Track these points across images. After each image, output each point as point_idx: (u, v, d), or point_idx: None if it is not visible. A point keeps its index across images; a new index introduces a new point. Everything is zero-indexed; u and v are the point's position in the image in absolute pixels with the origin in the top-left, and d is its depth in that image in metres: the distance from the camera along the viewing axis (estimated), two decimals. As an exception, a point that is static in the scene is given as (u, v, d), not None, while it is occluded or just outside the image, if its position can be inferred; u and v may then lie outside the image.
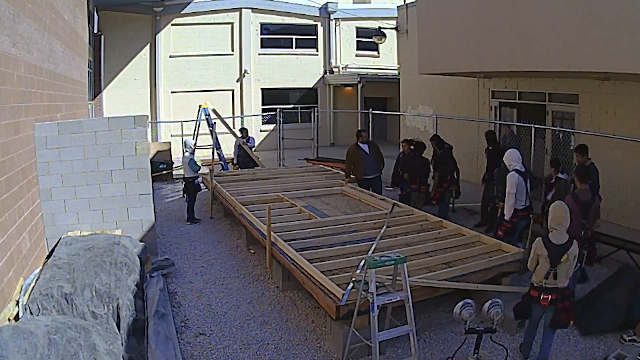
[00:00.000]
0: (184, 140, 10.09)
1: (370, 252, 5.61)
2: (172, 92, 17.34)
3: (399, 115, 13.75)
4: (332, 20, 19.26)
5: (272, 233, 6.02)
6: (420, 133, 12.64)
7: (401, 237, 6.29)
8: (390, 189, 9.88)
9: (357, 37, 19.86)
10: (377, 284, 4.05)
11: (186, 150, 9.23)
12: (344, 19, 19.49)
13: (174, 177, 13.47)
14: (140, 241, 6.63)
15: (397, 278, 4.20)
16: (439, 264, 5.44)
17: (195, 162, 8.97)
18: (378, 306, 3.91)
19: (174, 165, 13.66)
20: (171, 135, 15.91)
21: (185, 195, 9.43)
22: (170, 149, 13.89)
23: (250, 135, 12.36)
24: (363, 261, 4.27)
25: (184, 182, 9.42)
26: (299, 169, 11.58)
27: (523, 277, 5.97)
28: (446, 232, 6.50)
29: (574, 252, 4.08)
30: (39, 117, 6.16)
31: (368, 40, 18.02)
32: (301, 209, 7.70)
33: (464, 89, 10.95)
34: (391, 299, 4.09)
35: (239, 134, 11.89)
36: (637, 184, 7.19)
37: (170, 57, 17.24)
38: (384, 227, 6.47)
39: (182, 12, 17.13)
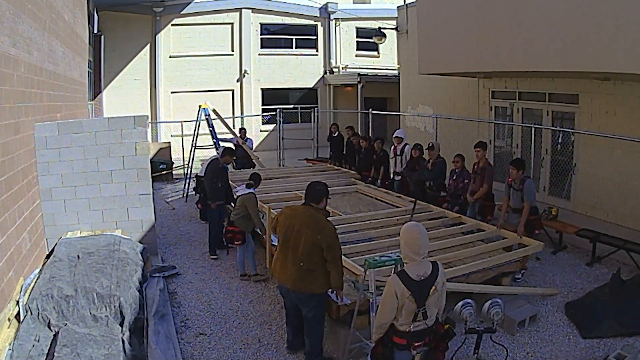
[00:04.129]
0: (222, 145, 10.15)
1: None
2: (172, 92, 17.35)
3: (399, 115, 13.75)
4: (332, 20, 19.27)
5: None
6: (420, 133, 12.64)
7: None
8: None
9: (357, 37, 19.87)
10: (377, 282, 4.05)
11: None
12: (344, 19, 19.50)
13: (174, 177, 13.49)
14: (140, 242, 6.63)
15: None
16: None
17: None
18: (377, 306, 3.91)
19: (174, 166, 13.67)
20: (171, 135, 15.91)
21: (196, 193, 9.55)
22: (170, 149, 13.90)
23: (248, 137, 12.31)
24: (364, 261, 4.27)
25: (196, 181, 9.54)
26: (309, 168, 11.56)
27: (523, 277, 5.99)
28: (447, 233, 6.49)
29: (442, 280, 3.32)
30: (39, 117, 6.16)
31: (368, 41, 18.02)
32: None
33: (464, 89, 10.95)
34: None
35: (238, 134, 11.88)
36: (637, 183, 7.19)
37: (170, 57, 17.25)
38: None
39: (182, 12, 17.14)
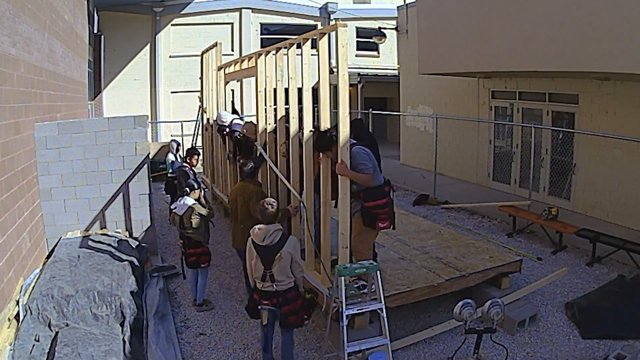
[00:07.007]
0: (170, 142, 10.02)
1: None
2: (172, 92, 17.34)
3: (399, 115, 13.75)
4: (332, 20, 19.23)
5: None
6: (420, 133, 12.64)
7: (400, 236, 6.29)
8: None
9: (357, 37, 19.82)
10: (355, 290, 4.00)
11: (169, 152, 9.41)
12: (344, 19, 19.46)
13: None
14: (140, 242, 6.63)
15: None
16: (439, 264, 5.44)
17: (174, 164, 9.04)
18: (347, 316, 3.80)
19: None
20: (171, 135, 15.90)
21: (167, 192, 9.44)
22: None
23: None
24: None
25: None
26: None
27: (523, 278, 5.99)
28: (447, 233, 6.50)
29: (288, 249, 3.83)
30: (39, 117, 6.16)
31: (368, 41, 17.99)
32: None
33: (464, 89, 10.95)
34: (362, 309, 3.93)
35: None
36: (637, 184, 7.19)
37: (170, 57, 17.24)
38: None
39: (182, 12, 17.14)
